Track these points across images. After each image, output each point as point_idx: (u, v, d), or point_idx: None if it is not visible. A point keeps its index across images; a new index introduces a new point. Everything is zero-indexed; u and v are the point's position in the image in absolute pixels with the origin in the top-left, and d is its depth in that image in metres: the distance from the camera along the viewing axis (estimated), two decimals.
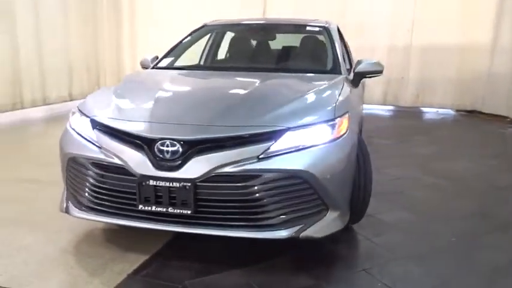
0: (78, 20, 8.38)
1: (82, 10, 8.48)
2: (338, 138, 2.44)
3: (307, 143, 2.34)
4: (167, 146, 2.28)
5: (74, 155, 2.52)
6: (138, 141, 2.35)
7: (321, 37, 3.89)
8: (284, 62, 3.80)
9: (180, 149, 2.28)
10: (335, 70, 3.38)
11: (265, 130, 2.31)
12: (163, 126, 2.39)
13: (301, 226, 2.31)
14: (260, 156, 2.26)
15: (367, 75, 3.53)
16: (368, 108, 8.50)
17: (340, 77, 3.17)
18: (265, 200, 2.25)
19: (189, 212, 2.27)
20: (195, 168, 2.25)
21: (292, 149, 2.30)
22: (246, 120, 2.38)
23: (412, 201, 3.57)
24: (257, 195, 2.24)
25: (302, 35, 4.11)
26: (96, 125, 2.54)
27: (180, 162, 2.27)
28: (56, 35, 7.79)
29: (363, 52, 8.41)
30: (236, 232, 2.28)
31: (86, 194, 2.50)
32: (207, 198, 2.27)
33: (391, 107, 8.81)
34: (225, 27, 4.30)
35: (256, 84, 2.95)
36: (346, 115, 2.57)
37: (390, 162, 4.75)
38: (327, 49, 3.66)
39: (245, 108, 2.50)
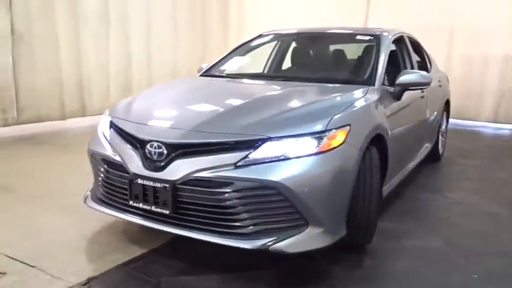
0: (186, 27, 9.01)
1: (190, 18, 9.07)
2: (326, 151, 2.33)
3: (289, 154, 2.29)
4: (155, 148, 2.43)
5: (93, 151, 2.81)
6: (134, 142, 2.54)
7: (370, 47, 3.69)
8: (318, 71, 3.70)
9: (165, 152, 2.40)
10: (369, 81, 3.19)
11: (243, 138, 2.33)
12: (155, 129, 2.54)
13: (273, 239, 2.25)
14: (237, 164, 2.27)
15: (411, 88, 3.27)
16: (474, 126, 7.74)
17: (366, 88, 2.99)
18: (237, 208, 2.26)
19: (167, 212, 2.38)
20: (176, 170, 2.35)
21: (272, 159, 2.27)
22: (229, 128, 2.41)
23: (452, 230, 3.19)
24: (229, 202, 2.26)
25: (353, 44, 3.95)
26: (111, 125, 2.80)
27: (164, 164, 2.39)
28: (165, 43, 8.53)
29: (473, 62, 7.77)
30: (207, 236, 2.32)
31: (98, 187, 2.77)
32: (185, 201, 2.35)
33: (503, 125, 7.83)
34: (279, 36, 4.33)
35: (263, 93, 2.96)
36: (345, 128, 2.45)
37: (463, 185, 4.28)
38: (370, 59, 3.47)
39: (235, 116, 2.53)
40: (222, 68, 3.91)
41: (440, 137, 5.16)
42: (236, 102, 2.82)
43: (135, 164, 2.49)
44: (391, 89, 3.27)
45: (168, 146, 2.40)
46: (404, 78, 3.23)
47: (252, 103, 2.78)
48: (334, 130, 2.40)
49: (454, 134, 6.65)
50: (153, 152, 2.44)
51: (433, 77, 4.66)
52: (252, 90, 3.24)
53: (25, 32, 6.26)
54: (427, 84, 3.30)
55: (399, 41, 4.09)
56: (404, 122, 3.47)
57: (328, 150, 2.34)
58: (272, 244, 2.24)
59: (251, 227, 2.27)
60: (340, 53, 3.91)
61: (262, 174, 2.24)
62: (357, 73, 3.49)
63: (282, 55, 4.38)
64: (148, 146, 2.46)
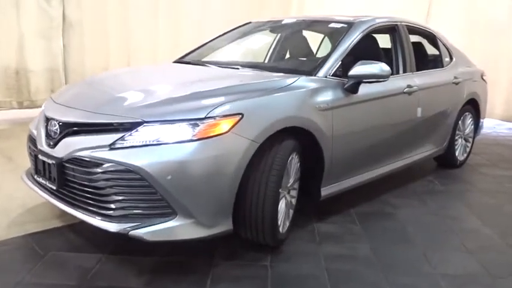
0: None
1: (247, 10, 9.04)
2: (202, 139, 2.22)
3: (163, 139, 2.22)
4: (52, 126, 2.52)
5: (29, 129, 2.98)
6: (43, 120, 2.65)
7: (337, 35, 3.39)
8: (275, 60, 3.50)
9: (58, 130, 2.47)
10: (312, 71, 2.94)
11: (120, 120, 2.30)
12: (58, 108, 2.62)
13: (135, 224, 2.21)
14: (112, 146, 2.26)
15: (365, 80, 2.96)
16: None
17: (297, 78, 2.77)
18: (106, 190, 2.25)
19: (54, 187, 2.46)
20: (63, 148, 2.41)
21: (145, 143, 2.23)
22: (116, 110, 2.39)
23: (389, 239, 2.83)
24: (100, 183, 2.26)
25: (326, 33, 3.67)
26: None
27: (56, 141, 2.47)
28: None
29: None
30: (82, 215, 2.34)
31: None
32: (68, 179, 2.40)
33: None
34: (265, 25, 4.15)
35: (182, 79, 2.90)
36: (234, 117, 2.31)
37: (470, 199, 3.73)
38: (328, 48, 3.20)
39: (129, 99, 2.49)
40: (198, 54, 3.88)
41: (461, 141, 4.58)
42: (148, 87, 2.77)
43: (41, 140, 2.60)
44: (346, 80, 2.99)
45: (61, 124, 2.47)
46: (357, 69, 2.93)
47: (157, 87, 2.72)
48: (217, 118, 2.27)
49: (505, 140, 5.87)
50: (50, 130, 2.52)
51: (448, 71, 4.20)
52: (182, 76, 3.17)
53: (75, 19, 6.80)
54: (384, 77, 2.95)
55: (391, 30, 3.71)
56: (366, 119, 3.15)
57: (204, 138, 2.23)
58: (131, 229, 2.19)
59: (119, 210, 2.25)
60: (302, 42, 3.66)
61: (129, 158, 2.20)
62: (305, 62, 3.25)
63: (269, 44, 4.21)
64: (49, 123, 2.55)
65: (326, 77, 2.93)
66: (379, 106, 3.27)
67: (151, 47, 7.72)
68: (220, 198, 2.29)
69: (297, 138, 2.66)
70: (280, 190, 2.52)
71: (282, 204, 2.62)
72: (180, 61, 3.78)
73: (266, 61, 3.73)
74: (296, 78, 2.76)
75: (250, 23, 4.14)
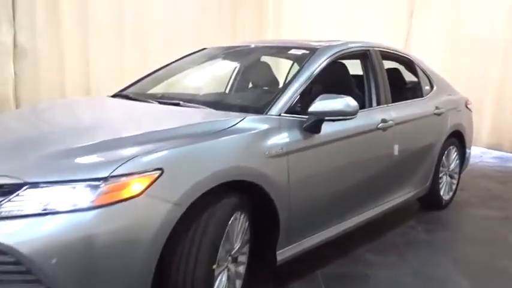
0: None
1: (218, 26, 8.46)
2: (105, 205, 1.67)
3: (51, 206, 1.66)
4: None
5: None
6: None
7: (297, 64, 2.91)
8: (225, 92, 2.99)
9: None
10: (263, 108, 2.43)
11: None
12: None
13: None
14: None
15: (328, 118, 2.45)
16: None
17: (241, 118, 2.24)
18: None
19: None
20: None
21: (25, 213, 1.66)
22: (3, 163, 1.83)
23: None
24: None
25: (288, 61, 3.17)
26: None
27: None
28: None
29: None
30: None
31: None
32: None
33: None
34: (220, 50, 3.63)
35: (103, 120, 2.35)
36: (150, 174, 1.77)
37: (457, 251, 3.20)
38: (285, 80, 2.70)
39: (17, 150, 1.93)
40: (141, 85, 3.34)
41: (446, 178, 4.09)
42: (50, 131, 2.24)
43: None
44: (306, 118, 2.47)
45: None
46: (318, 105, 2.42)
47: (60, 133, 2.17)
48: (125, 177, 1.72)
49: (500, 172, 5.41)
50: None
51: (429, 101, 3.74)
52: (102, 116, 2.63)
53: (29, 46, 6.26)
54: (350, 114, 2.45)
55: (362, 57, 3.23)
56: (332, 162, 2.64)
57: (107, 205, 1.68)
58: None
59: None
60: (263, 70, 3.17)
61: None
62: (256, 98, 2.74)
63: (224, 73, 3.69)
64: None
65: (280, 115, 2.41)
66: (348, 146, 2.76)
67: (115, 75, 7.19)
68: (133, 279, 1.73)
69: (242, 192, 2.13)
70: (218, 263, 1.97)
71: (222, 278, 2.07)
72: (119, 94, 3.23)
73: (216, 94, 3.20)
74: (240, 119, 2.24)
75: (205, 49, 3.64)
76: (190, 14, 7.89)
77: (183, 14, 7.82)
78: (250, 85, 3.39)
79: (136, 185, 1.73)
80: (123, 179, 1.72)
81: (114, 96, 3.20)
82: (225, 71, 3.64)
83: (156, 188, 1.76)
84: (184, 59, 3.58)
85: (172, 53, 7.31)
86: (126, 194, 1.71)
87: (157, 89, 3.34)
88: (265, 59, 3.44)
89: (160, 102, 2.75)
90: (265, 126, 2.27)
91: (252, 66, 3.50)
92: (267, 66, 3.37)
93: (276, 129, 2.32)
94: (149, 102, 2.78)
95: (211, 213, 1.95)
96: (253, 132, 2.20)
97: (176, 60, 3.62)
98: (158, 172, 1.78)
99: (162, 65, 3.63)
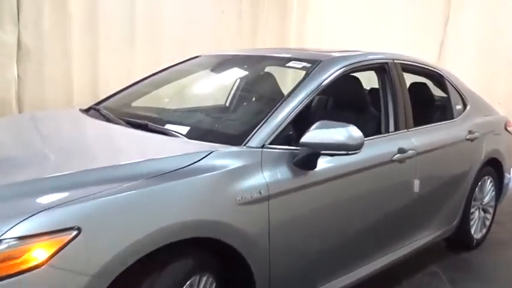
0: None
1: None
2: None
3: None
4: None
5: None
6: None
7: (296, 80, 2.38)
8: (209, 109, 2.51)
9: None
10: (242, 138, 1.92)
11: None
12: None
13: None
14: None
15: (324, 152, 1.93)
16: None
17: (204, 155, 1.74)
18: None
19: None
20: None
21: None
22: None
23: None
24: None
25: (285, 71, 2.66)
26: None
27: None
28: None
29: None
30: None
31: None
32: None
33: None
34: (213, 59, 3.14)
35: (33, 151, 1.90)
36: (61, 237, 1.31)
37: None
38: (275, 101, 2.17)
39: None
40: (119, 98, 2.91)
41: (478, 213, 3.47)
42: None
43: None
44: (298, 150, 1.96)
45: None
46: (312, 135, 1.90)
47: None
48: (22, 241, 1.26)
49: None
50: None
51: (460, 124, 3.17)
52: (36, 145, 2.16)
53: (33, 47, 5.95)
54: (353, 148, 1.92)
55: (379, 71, 2.69)
56: (330, 207, 2.11)
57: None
58: None
59: None
60: (259, 86, 2.67)
61: None
62: (237, 123, 2.23)
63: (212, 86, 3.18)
64: None
65: (264, 146, 1.91)
66: (352, 185, 2.22)
67: (124, 77, 6.80)
68: None
69: (205, 248, 1.65)
70: None
71: None
72: (93, 107, 2.79)
73: (195, 114, 2.69)
74: (205, 154, 1.73)
75: (198, 56, 3.17)
76: (209, 19, 7.47)
77: (200, 17, 7.40)
78: (244, 103, 2.90)
79: (38, 252, 1.27)
80: (20, 243, 1.26)
81: (88, 109, 2.77)
82: (216, 83, 3.14)
83: (67, 255, 1.29)
84: (175, 67, 3.13)
85: (186, 56, 6.98)
86: (22, 264, 1.25)
87: (138, 103, 2.90)
88: (267, 70, 2.94)
89: (127, 122, 2.28)
90: (238, 163, 1.77)
91: (248, 79, 3.00)
92: (270, 79, 2.87)
93: (255, 165, 1.82)
94: (115, 122, 2.31)
95: (153, 282, 1.47)
96: (220, 172, 1.70)
97: (166, 69, 3.17)
98: (73, 232, 1.31)
99: (149, 74, 3.19)
